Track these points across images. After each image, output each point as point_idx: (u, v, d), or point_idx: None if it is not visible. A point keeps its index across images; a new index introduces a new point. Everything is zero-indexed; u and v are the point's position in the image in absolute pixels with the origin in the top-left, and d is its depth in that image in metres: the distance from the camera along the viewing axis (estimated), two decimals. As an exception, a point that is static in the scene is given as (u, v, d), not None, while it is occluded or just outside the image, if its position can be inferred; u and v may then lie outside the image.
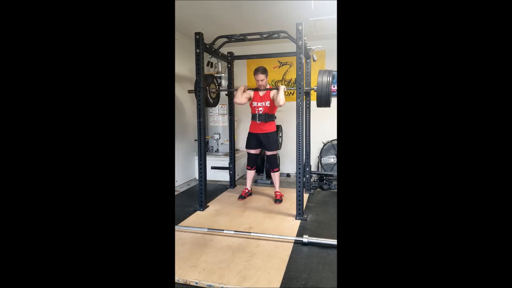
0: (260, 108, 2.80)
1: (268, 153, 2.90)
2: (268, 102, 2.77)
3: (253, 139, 2.89)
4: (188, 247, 1.91)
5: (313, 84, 3.74)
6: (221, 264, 1.69)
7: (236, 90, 2.80)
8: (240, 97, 2.74)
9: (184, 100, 3.70)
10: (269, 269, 1.64)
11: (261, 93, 2.82)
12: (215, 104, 3.05)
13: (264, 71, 2.76)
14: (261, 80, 2.74)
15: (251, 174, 3.03)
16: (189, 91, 2.89)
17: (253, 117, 2.86)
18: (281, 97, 2.57)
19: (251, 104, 2.87)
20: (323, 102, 2.48)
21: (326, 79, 2.42)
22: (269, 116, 2.80)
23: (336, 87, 2.41)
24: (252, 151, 2.94)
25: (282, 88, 2.62)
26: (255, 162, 3.01)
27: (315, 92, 2.49)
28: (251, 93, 2.84)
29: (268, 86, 2.86)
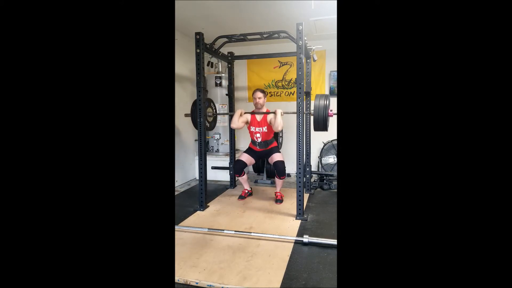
0: (258, 135, 2.82)
1: (274, 160, 2.82)
2: (266, 127, 2.79)
3: (253, 153, 2.93)
4: (189, 247, 1.91)
5: (313, 84, 3.77)
6: (221, 264, 1.69)
7: (234, 113, 2.80)
8: (237, 122, 2.74)
9: (184, 99, 3.70)
10: (269, 269, 1.64)
11: (258, 118, 2.82)
12: (211, 127, 3.05)
13: (262, 91, 2.81)
14: (259, 98, 2.77)
15: (243, 178, 2.96)
16: (186, 115, 2.90)
17: (253, 142, 2.90)
18: (278, 122, 2.57)
19: (248, 128, 2.89)
20: (320, 126, 2.49)
21: (323, 102, 2.43)
22: (268, 141, 2.85)
23: (332, 111, 2.43)
24: (244, 158, 2.90)
25: (279, 112, 2.61)
26: (242, 169, 2.90)
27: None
28: (248, 117, 2.83)
29: (265, 108, 2.84)
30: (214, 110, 3.07)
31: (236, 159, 2.99)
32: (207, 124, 2.88)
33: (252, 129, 2.85)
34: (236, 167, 2.88)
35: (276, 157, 2.83)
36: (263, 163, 3.66)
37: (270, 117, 2.73)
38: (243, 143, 4.20)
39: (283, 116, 2.64)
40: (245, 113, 2.82)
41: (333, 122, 3.91)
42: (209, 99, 3.05)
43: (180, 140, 3.66)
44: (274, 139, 2.93)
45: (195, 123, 2.77)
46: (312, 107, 2.55)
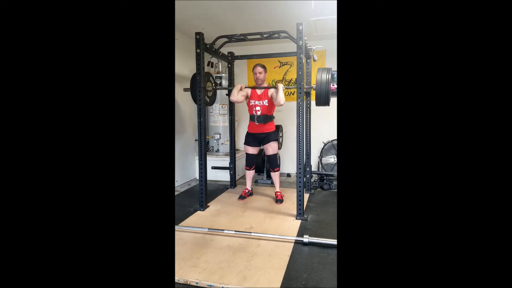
0: (258, 108, 2.76)
1: (269, 152, 2.87)
2: (266, 101, 2.73)
3: (252, 138, 2.89)
4: (189, 247, 1.91)
5: (313, 84, 3.76)
6: (221, 264, 1.69)
7: (234, 88, 2.77)
8: (236, 95, 2.68)
9: (184, 99, 3.70)
10: (270, 269, 1.64)
11: (258, 92, 2.78)
12: (211, 103, 3.01)
13: (263, 66, 2.76)
14: (259, 73, 2.71)
15: (250, 174, 3.02)
16: (185, 89, 2.85)
17: (252, 118, 2.84)
18: (281, 96, 2.50)
19: (248, 103, 2.83)
20: (322, 100, 2.43)
21: (325, 76, 2.37)
22: (268, 117, 2.79)
23: (335, 86, 2.37)
24: (250, 151, 2.93)
25: (281, 86, 2.54)
26: (253, 162, 2.98)
27: (315, 93, 2.46)
28: (248, 91, 2.79)
29: (265, 84, 2.83)
30: (214, 84, 2.99)
31: (246, 153, 2.98)
32: (207, 100, 2.80)
33: (252, 102, 2.78)
34: (248, 161, 2.93)
35: (270, 148, 2.83)
36: (263, 163, 3.67)
37: (271, 91, 2.67)
38: (243, 143, 4.19)
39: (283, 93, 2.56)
40: (245, 87, 2.78)
41: (333, 122, 3.90)
42: (208, 72, 2.95)
43: (180, 140, 3.66)
44: (273, 117, 2.86)
45: (194, 98, 2.68)
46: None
